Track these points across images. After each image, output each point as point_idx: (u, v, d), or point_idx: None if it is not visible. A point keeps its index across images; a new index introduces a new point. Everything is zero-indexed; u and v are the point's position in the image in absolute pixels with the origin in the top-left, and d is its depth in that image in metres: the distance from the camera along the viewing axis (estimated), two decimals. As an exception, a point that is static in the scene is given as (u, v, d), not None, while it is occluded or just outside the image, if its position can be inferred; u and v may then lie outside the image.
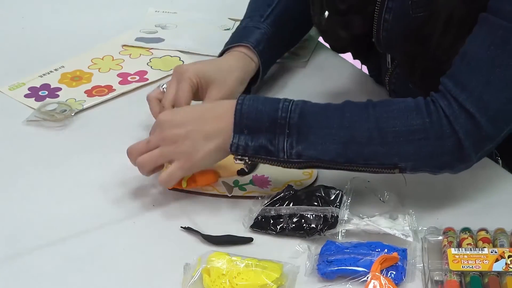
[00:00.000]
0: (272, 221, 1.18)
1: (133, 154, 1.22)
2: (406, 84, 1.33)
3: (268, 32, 1.41)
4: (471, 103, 1.13)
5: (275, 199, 1.20)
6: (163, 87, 1.32)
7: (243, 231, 1.18)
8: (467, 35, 1.17)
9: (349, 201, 1.19)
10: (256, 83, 1.41)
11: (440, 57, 1.20)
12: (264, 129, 1.16)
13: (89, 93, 1.49)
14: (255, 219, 1.19)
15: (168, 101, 1.29)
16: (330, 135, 1.15)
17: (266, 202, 1.20)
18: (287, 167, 1.18)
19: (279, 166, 1.18)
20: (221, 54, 1.40)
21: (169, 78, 1.34)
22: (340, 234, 1.15)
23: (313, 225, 1.16)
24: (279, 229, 1.17)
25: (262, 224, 1.18)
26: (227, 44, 1.41)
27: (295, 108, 1.16)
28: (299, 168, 1.18)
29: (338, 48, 1.43)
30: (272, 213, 1.18)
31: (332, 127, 1.15)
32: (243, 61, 1.37)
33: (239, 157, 1.18)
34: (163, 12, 1.75)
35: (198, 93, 1.32)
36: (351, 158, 1.16)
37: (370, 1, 1.28)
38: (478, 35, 1.15)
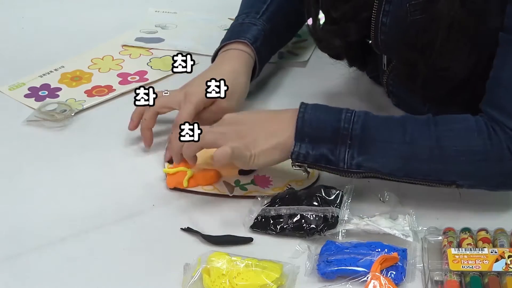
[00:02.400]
0: (272, 221, 1.18)
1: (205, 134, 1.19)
2: (404, 86, 1.33)
3: (264, 29, 1.41)
4: None
5: (275, 199, 1.20)
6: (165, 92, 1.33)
7: (243, 231, 1.18)
8: (469, 41, 1.17)
9: (349, 201, 1.19)
10: (252, 80, 1.41)
11: (441, 63, 1.20)
12: (326, 138, 1.16)
13: (89, 93, 1.49)
14: (255, 219, 1.19)
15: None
16: (392, 149, 1.16)
17: (266, 202, 1.21)
18: (345, 176, 1.18)
19: (336, 174, 1.19)
20: (218, 50, 1.40)
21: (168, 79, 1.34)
22: (340, 234, 1.15)
23: (313, 225, 1.16)
24: (279, 229, 1.17)
25: (262, 224, 1.18)
26: (224, 40, 1.41)
27: (358, 120, 1.17)
28: (357, 177, 1.18)
29: (334, 56, 1.42)
30: (272, 213, 1.18)
31: (394, 141, 1.16)
32: (246, 64, 1.38)
33: (298, 164, 1.19)
34: (163, 12, 1.75)
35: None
36: (410, 173, 1.17)
37: (363, 7, 1.28)
38: (506, 58, 1.15)
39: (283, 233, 1.17)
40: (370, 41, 1.32)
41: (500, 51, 1.16)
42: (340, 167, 1.17)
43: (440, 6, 1.17)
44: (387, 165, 1.17)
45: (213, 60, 1.41)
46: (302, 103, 1.19)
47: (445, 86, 1.23)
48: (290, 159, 1.19)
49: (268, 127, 1.19)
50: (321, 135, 1.17)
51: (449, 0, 1.15)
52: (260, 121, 1.21)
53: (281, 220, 1.18)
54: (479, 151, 1.14)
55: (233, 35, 1.41)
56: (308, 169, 1.20)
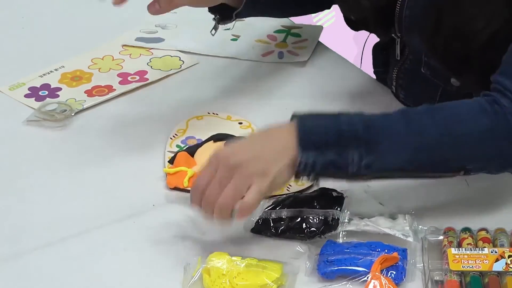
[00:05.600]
0: (272, 224, 1.18)
1: (210, 201, 1.10)
2: (415, 77, 1.32)
3: None
4: None
5: (276, 202, 1.20)
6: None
7: (243, 234, 1.18)
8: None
9: (350, 203, 1.19)
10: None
11: (469, 13, 1.18)
12: (331, 143, 1.11)
13: (89, 93, 1.49)
14: (256, 222, 1.18)
15: None
16: (399, 142, 1.13)
17: (267, 205, 1.20)
18: (354, 181, 1.15)
19: (344, 180, 1.15)
20: None
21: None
22: (340, 235, 1.15)
23: (313, 228, 1.15)
24: (280, 232, 1.17)
25: (262, 227, 1.18)
26: None
27: (358, 120, 1.13)
28: (366, 180, 1.16)
29: (358, 21, 1.37)
30: (273, 216, 1.18)
31: (400, 134, 1.13)
32: None
33: (306, 175, 1.13)
34: (163, 12, 1.75)
35: None
36: (420, 164, 1.14)
37: None
38: None
39: (283, 235, 1.17)
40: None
41: None
42: (350, 171, 1.12)
43: None
44: (397, 160, 1.13)
45: None
46: (294, 114, 1.14)
47: (468, 46, 1.20)
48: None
49: (270, 144, 1.12)
50: (325, 141, 1.11)
51: None
52: (259, 143, 1.14)
53: (281, 222, 1.17)
54: (486, 130, 1.13)
55: None
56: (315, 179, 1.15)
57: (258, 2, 1.40)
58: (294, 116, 1.14)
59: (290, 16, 1.60)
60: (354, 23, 1.40)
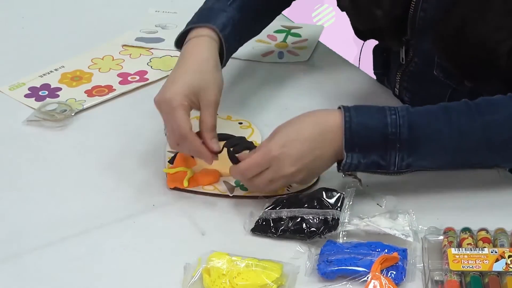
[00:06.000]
0: (272, 224, 1.17)
1: (258, 188, 1.21)
2: (422, 80, 1.32)
3: (234, 17, 1.35)
4: None
5: (277, 202, 1.20)
6: (165, 131, 1.26)
7: (243, 234, 1.18)
8: None
9: (350, 203, 1.19)
10: None
11: (497, 22, 1.19)
12: (375, 145, 1.17)
13: (89, 93, 1.49)
14: (256, 222, 1.18)
15: (174, 142, 1.23)
16: (441, 146, 1.18)
17: (267, 205, 1.20)
18: (393, 175, 1.20)
19: (384, 175, 1.20)
20: (184, 33, 1.32)
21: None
22: (340, 235, 1.15)
23: (313, 228, 1.15)
24: (280, 232, 1.17)
25: (262, 227, 1.18)
26: (190, 23, 1.34)
27: (403, 122, 1.16)
28: (404, 174, 1.20)
29: (371, 29, 1.37)
30: (273, 216, 1.18)
31: (442, 137, 1.17)
32: (214, 50, 1.30)
33: (348, 173, 1.20)
34: (163, 12, 1.75)
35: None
36: (458, 165, 1.21)
37: None
38: None
39: (283, 235, 1.17)
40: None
41: None
42: (391, 170, 1.18)
43: None
44: (437, 161, 1.19)
45: (177, 42, 1.33)
46: (344, 109, 1.17)
47: (489, 55, 1.21)
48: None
49: (320, 154, 1.18)
50: (370, 143, 1.17)
51: None
52: (311, 151, 1.18)
53: (282, 222, 1.17)
54: None
55: (201, 19, 1.34)
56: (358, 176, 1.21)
57: (235, 46, 1.39)
58: (344, 112, 1.17)
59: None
60: (363, 33, 1.40)
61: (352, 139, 1.16)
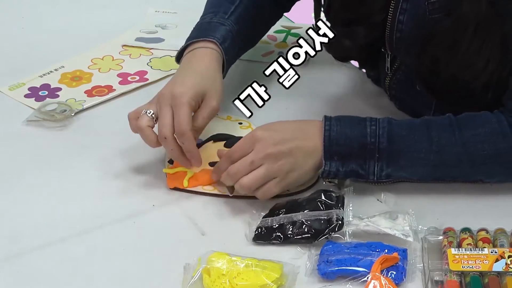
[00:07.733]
0: (274, 231, 1.17)
1: (237, 175, 1.19)
2: (408, 89, 1.32)
3: (233, 30, 1.38)
4: None
5: (274, 209, 1.20)
6: (150, 113, 1.24)
7: (244, 242, 1.18)
8: (495, 37, 1.18)
9: (351, 202, 1.18)
10: None
11: (467, 61, 1.20)
12: (354, 155, 1.19)
13: (89, 93, 1.49)
14: (256, 231, 1.18)
15: (168, 129, 1.22)
16: (420, 159, 1.19)
17: (263, 213, 1.20)
18: (376, 185, 1.22)
19: (366, 183, 1.22)
20: (184, 49, 1.35)
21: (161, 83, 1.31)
22: (347, 234, 1.15)
23: (318, 229, 1.15)
24: (284, 238, 1.16)
25: (265, 235, 1.17)
26: (190, 38, 1.36)
27: (383, 132, 1.19)
28: (385, 184, 1.22)
29: (344, 57, 1.42)
30: (274, 223, 1.18)
31: (421, 151, 1.19)
32: (217, 62, 1.33)
33: (328, 180, 1.23)
34: (163, 12, 1.75)
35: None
36: (439, 178, 1.23)
37: (373, 12, 1.27)
38: None
39: (288, 241, 1.16)
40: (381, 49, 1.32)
41: None
42: (370, 179, 1.20)
43: (464, 8, 1.17)
44: (416, 173, 1.21)
45: (177, 58, 1.36)
46: (325, 118, 1.21)
47: (465, 88, 1.23)
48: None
49: (304, 143, 1.20)
50: (349, 152, 1.19)
51: (473, 1, 1.16)
52: (295, 138, 1.20)
53: (284, 229, 1.17)
54: (506, 153, 1.18)
55: (201, 33, 1.36)
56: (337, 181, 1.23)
57: (234, 59, 1.42)
58: (325, 123, 1.20)
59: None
60: (340, 59, 1.43)
61: (330, 147, 1.19)
